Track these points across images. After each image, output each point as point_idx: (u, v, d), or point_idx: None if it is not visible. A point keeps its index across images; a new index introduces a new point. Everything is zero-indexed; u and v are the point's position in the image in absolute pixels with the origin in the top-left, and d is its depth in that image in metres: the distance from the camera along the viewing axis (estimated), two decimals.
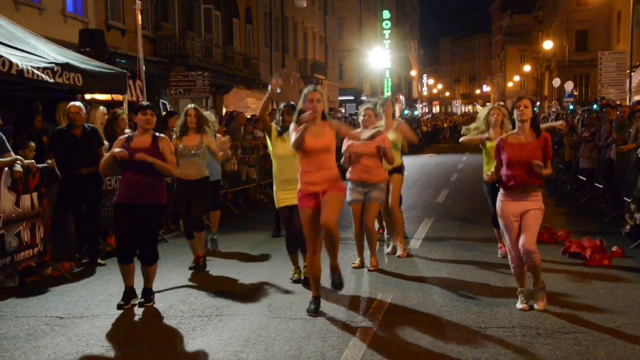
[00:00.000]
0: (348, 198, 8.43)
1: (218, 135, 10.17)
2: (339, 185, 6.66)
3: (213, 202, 10.11)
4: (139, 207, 6.94)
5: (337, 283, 6.81)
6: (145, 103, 7.40)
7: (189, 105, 8.85)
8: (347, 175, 8.52)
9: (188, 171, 8.68)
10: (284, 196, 7.68)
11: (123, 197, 7.05)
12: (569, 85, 40.38)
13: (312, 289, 6.83)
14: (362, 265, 8.72)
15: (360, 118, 8.49)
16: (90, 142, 9.09)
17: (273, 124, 7.80)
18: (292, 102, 8.04)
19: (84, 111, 9.31)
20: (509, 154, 6.54)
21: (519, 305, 6.71)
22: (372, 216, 8.48)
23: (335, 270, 6.83)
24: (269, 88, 6.97)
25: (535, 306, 6.60)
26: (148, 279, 7.21)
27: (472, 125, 9.16)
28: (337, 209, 6.60)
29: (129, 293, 7.16)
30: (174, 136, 8.72)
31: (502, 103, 8.89)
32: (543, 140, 6.54)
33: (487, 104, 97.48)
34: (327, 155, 6.60)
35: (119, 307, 7.00)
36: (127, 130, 7.83)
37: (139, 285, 7.23)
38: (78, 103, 9.28)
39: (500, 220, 6.83)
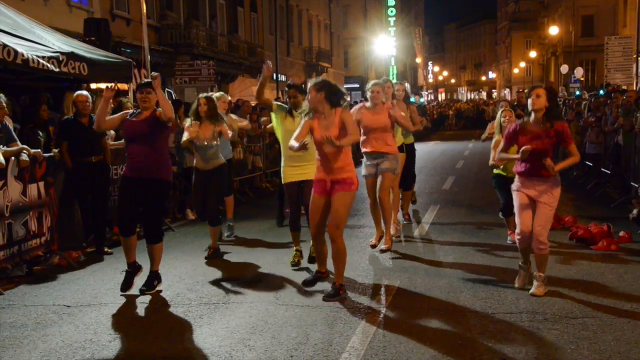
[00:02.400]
0: (362, 172, 8.54)
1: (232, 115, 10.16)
2: (348, 179, 6.64)
3: (227, 189, 10.15)
4: (142, 180, 6.95)
5: (331, 295, 6.65)
6: (144, 81, 7.40)
7: (201, 95, 8.91)
8: (361, 149, 8.63)
9: (204, 163, 8.81)
10: (292, 172, 7.77)
11: (128, 170, 7.12)
12: (579, 72, 40.14)
13: (317, 264, 7.00)
14: (380, 239, 8.77)
15: (368, 94, 8.53)
16: (96, 131, 9.10)
17: (276, 102, 7.99)
18: (293, 82, 8.08)
19: (91, 100, 9.32)
20: (522, 143, 6.53)
21: (516, 282, 6.81)
22: (386, 187, 8.48)
23: (334, 285, 6.75)
24: (262, 74, 7.53)
25: (532, 290, 6.59)
26: (153, 259, 7.17)
27: (494, 132, 9.24)
28: (344, 213, 6.69)
29: (130, 272, 7.15)
30: (189, 120, 8.80)
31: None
32: (554, 132, 6.47)
33: (493, 90, 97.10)
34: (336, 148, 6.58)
35: (122, 289, 7.06)
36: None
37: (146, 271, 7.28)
38: (85, 92, 9.31)
39: (514, 194, 6.80)
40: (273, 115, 7.94)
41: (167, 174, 7.17)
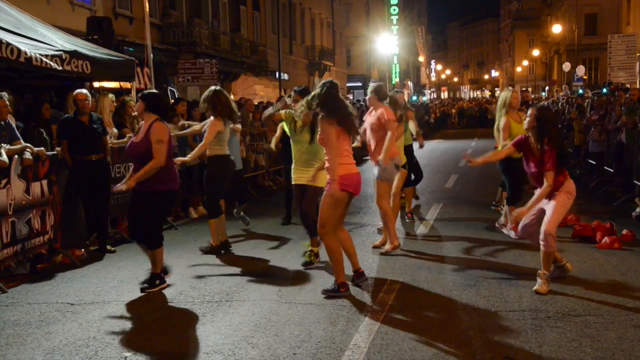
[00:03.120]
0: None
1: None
2: (330, 180, 6.69)
3: (240, 194, 10.68)
4: (137, 194, 7.08)
5: (329, 290, 6.70)
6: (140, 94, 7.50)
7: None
8: None
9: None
10: (296, 175, 8.14)
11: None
12: (580, 70, 40.12)
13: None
14: (384, 242, 8.77)
15: (368, 96, 8.68)
16: (97, 129, 9.12)
17: (283, 112, 8.19)
18: (300, 87, 8.16)
19: (90, 98, 9.33)
20: (525, 160, 6.88)
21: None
22: (380, 194, 8.46)
23: (335, 282, 6.75)
24: (278, 105, 8.19)
25: (535, 288, 6.63)
26: (153, 263, 7.25)
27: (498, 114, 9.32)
28: (324, 212, 6.67)
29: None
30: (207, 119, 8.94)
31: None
32: (542, 153, 6.61)
33: (496, 88, 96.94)
34: (321, 147, 6.94)
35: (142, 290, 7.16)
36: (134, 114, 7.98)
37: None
38: (84, 90, 9.31)
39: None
40: (284, 123, 8.20)
41: (170, 184, 7.18)
